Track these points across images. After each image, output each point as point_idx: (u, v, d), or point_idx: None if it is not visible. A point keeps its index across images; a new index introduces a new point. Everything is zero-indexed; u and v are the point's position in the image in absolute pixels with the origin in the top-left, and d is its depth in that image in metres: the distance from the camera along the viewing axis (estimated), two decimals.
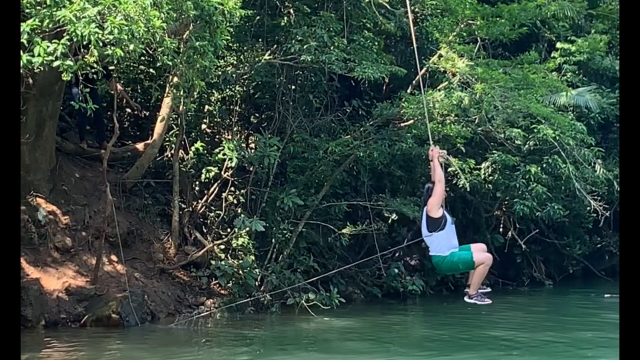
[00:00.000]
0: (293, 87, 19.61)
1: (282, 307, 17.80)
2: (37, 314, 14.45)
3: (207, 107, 19.17)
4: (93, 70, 11.44)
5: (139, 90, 19.81)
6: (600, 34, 23.33)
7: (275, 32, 19.08)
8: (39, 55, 10.74)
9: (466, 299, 11.33)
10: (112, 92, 16.61)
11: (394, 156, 19.69)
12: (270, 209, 18.51)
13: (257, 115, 20.84)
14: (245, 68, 18.86)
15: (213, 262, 17.40)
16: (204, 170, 18.04)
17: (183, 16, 12.94)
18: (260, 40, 19.18)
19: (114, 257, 16.47)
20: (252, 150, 18.43)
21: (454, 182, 19.04)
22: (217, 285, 17.46)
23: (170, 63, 12.74)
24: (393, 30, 19.79)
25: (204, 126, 19.40)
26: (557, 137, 18.84)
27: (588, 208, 21.62)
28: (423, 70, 19.74)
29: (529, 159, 21.09)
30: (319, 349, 14.21)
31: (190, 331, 15.54)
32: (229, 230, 17.97)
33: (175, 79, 14.85)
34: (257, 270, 17.72)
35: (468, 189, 19.51)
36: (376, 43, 18.64)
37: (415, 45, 13.09)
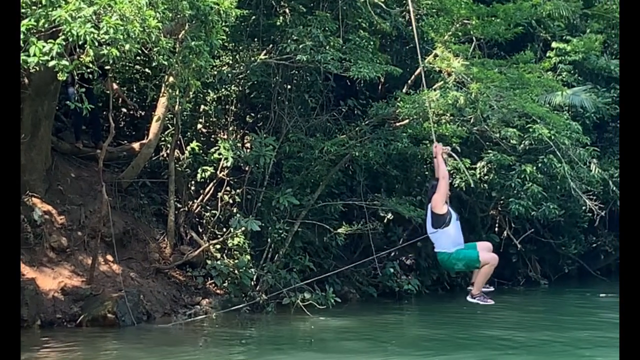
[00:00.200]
0: (289, 86, 19.61)
1: (278, 306, 17.78)
2: (33, 313, 14.44)
3: (202, 106, 19.15)
4: (89, 70, 11.42)
5: (135, 90, 19.78)
6: (595, 34, 23.38)
7: (270, 31, 19.08)
8: (34, 55, 10.71)
9: (469, 298, 11.32)
10: (108, 91, 16.59)
11: (390, 156, 19.69)
12: (265, 208, 18.51)
13: (252, 114, 20.84)
14: (241, 68, 18.84)
15: (209, 262, 17.39)
16: (199, 170, 18.03)
17: (179, 16, 12.92)
18: (255, 39, 19.18)
19: (109, 257, 16.46)
20: (248, 150, 18.43)
21: (450, 181, 19.02)
22: (213, 285, 17.46)
23: (165, 63, 12.70)
24: (388, 29, 19.81)
25: (199, 126, 19.39)
26: (553, 137, 18.86)
27: (583, 207, 21.61)
28: (419, 70, 19.79)
29: (524, 158, 21.11)
30: (315, 349, 14.19)
31: (186, 331, 15.54)
32: (224, 229, 17.95)
33: (171, 79, 14.83)
34: (252, 269, 17.71)
35: (464, 189, 19.52)
36: (372, 43, 18.61)
37: (417, 40, 13.11)
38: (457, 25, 18.75)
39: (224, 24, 13.83)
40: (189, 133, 18.91)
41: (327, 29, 17.80)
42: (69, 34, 10.71)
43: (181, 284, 17.30)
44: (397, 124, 18.93)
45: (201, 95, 18.81)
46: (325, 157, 18.60)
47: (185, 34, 13.58)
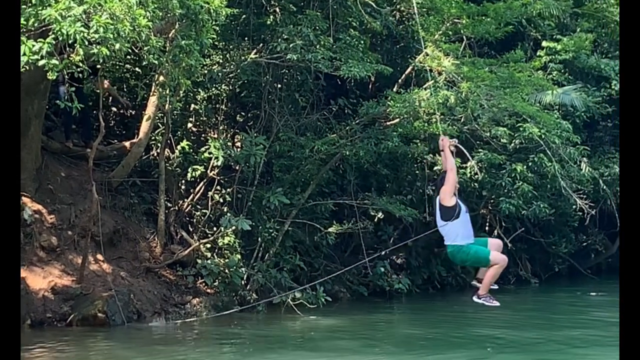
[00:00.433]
0: (279, 85, 19.60)
1: (269, 306, 17.78)
2: (23, 313, 14.37)
3: (193, 105, 19.12)
4: (79, 69, 11.40)
5: (125, 89, 19.73)
6: (585, 33, 23.43)
7: (261, 30, 19.06)
8: (24, 54, 10.68)
9: (475, 298, 11.26)
10: (98, 90, 16.55)
11: (380, 155, 19.72)
12: (256, 207, 18.50)
13: (243, 114, 20.83)
14: (231, 67, 18.81)
15: (199, 261, 17.36)
16: (190, 169, 18.00)
17: (169, 15, 12.89)
18: (246, 38, 19.16)
19: (99, 256, 16.42)
20: (238, 149, 18.40)
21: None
22: (203, 284, 17.42)
23: (156, 62, 12.67)
24: (379, 29, 19.81)
25: (190, 125, 19.36)
26: (543, 136, 18.89)
27: (574, 206, 21.68)
28: (409, 69, 19.84)
29: (514, 157, 21.16)
30: (305, 348, 14.21)
31: (177, 330, 15.52)
32: (215, 229, 17.94)
33: (161, 78, 14.80)
34: (243, 269, 17.70)
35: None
36: (362, 42, 18.60)
37: (421, 35, 13.07)
38: (448, 24, 18.80)
39: (214, 22, 13.81)
40: (179, 132, 18.89)
41: (317, 28, 17.79)
42: (59, 33, 10.68)
43: (171, 283, 17.25)
44: (388, 123, 18.93)
45: (191, 94, 18.79)
46: (316, 156, 18.60)
47: (175, 33, 13.55)
